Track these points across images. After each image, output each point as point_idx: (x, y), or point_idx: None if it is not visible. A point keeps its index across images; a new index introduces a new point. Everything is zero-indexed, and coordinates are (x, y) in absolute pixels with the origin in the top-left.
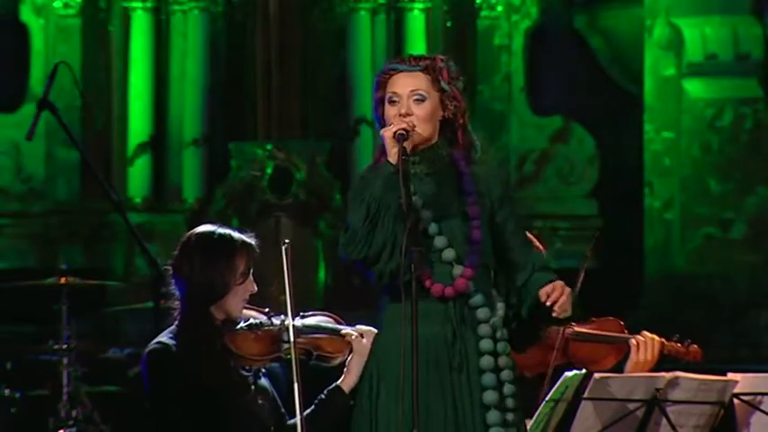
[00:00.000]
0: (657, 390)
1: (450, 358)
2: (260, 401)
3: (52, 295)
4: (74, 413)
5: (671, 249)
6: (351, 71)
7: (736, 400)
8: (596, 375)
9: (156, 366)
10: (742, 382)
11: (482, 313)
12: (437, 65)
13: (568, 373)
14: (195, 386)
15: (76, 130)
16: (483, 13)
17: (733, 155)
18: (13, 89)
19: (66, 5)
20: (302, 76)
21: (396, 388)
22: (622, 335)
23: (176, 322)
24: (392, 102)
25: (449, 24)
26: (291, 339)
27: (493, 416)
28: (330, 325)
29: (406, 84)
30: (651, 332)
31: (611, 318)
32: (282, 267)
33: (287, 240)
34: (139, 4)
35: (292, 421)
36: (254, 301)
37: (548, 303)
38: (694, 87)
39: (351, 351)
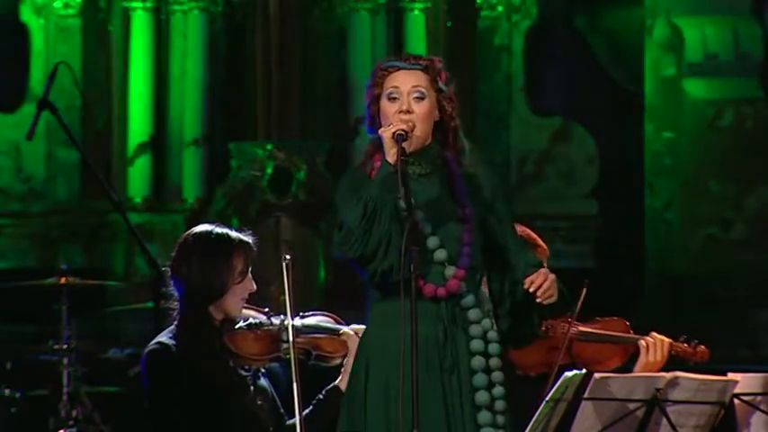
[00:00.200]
0: (657, 390)
1: (442, 359)
2: (259, 402)
3: (52, 295)
4: (74, 413)
5: (671, 249)
6: (351, 71)
7: (736, 400)
8: (596, 375)
9: (156, 366)
10: (742, 382)
11: (473, 314)
12: (435, 65)
13: (568, 373)
14: (194, 386)
15: (76, 130)
16: (483, 13)
17: (733, 155)
18: (13, 89)
19: (66, 5)
20: (302, 76)
21: (384, 386)
22: (630, 335)
23: (175, 322)
24: (392, 98)
25: (449, 24)
26: (291, 339)
27: (484, 416)
28: (329, 325)
29: (407, 80)
30: (651, 331)
31: (616, 318)
32: (284, 279)
33: (288, 256)
34: (139, 4)
35: (291, 421)
36: (254, 301)
37: (531, 289)
38: (694, 87)
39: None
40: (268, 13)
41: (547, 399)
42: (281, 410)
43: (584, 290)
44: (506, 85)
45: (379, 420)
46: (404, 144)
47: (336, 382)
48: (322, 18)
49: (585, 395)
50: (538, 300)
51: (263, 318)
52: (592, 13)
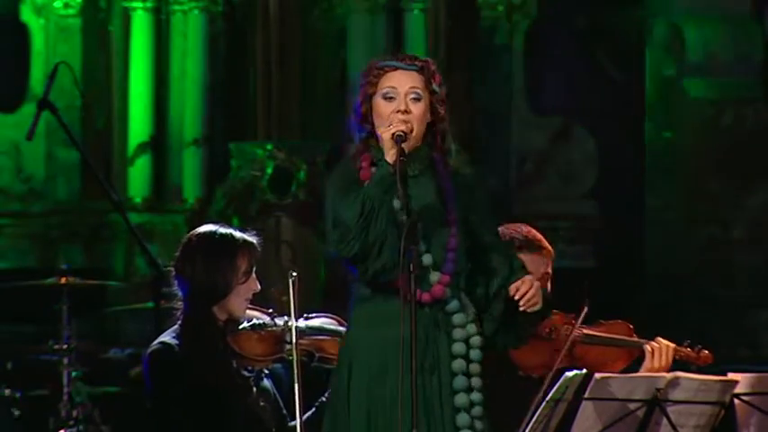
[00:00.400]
0: (658, 390)
1: (422, 360)
2: (262, 403)
3: (52, 295)
4: (74, 413)
5: (671, 249)
6: (351, 71)
7: (736, 400)
8: (597, 375)
9: (159, 366)
10: (742, 382)
11: (457, 319)
12: (430, 67)
13: (569, 373)
14: (197, 386)
15: (76, 130)
16: (483, 13)
17: (733, 155)
18: (13, 89)
19: (66, 5)
20: (302, 76)
21: (367, 387)
22: (634, 339)
23: (179, 322)
24: (388, 97)
25: (449, 24)
26: (294, 341)
27: (463, 418)
28: (333, 327)
29: (404, 81)
30: (653, 331)
31: (620, 321)
32: (289, 294)
33: (294, 273)
34: (139, 4)
35: (294, 423)
36: (254, 301)
37: (516, 297)
38: (694, 87)
39: None
40: (268, 13)
41: (547, 399)
42: (284, 411)
43: (587, 302)
44: (506, 85)
45: (361, 423)
46: (402, 145)
47: None
48: (322, 18)
49: (586, 395)
50: (521, 308)
51: (267, 318)
52: (592, 13)
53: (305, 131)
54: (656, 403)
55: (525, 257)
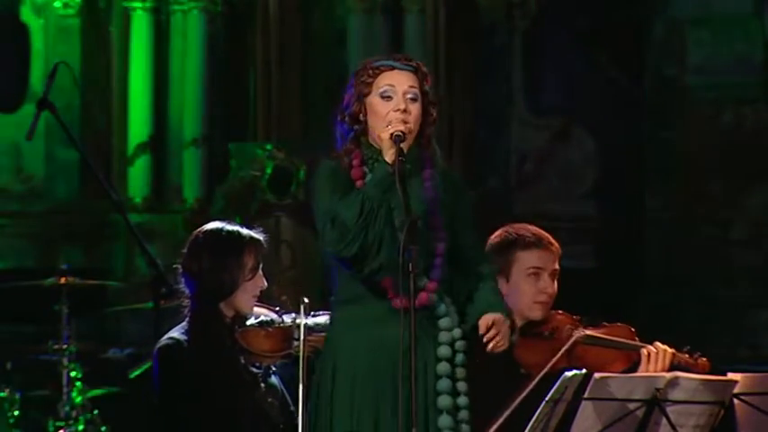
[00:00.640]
0: (657, 390)
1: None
2: (269, 400)
3: (52, 295)
4: (73, 413)
5: (671, 249)
6: (350, 72)
7: (736, 400)
8: (596, 375)
9: (167, 361)
10: (742, 382)
11: (444, 323)
12: (422, 69)
13: (568, 373)
14: (205, 382)
15: (76, 130)
16: (483, 14)
17: (733, 155)
18: (13, 89)
19: (66, 5)
20: (302, 76)
21: (350, 389)
22: (634, 342)
23: (187, 319)
24: (386, 96)
25: (449, 24)
26: (302, 338)
27: (445, 420)
28: None
29: (403, 80)
30: (653, 331)
31: (621, 324)
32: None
33: (306, 300)
34: (139, 4)
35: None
36: (261, 299)
37: (485, 339)
38: (694, 87)
39: None
40: (268, 13)
41: (546, 399)
42: (292, 408)
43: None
44: (506, 85)
45: (344, 426)
46: (401, 145)
47: None
48: (322, 18)
49: (585, 395)
50: (487, 348)
51: (275, 315)
52: (592, 13)
53: (305, 131)
54: (656, 403)
55: (536, 254)
